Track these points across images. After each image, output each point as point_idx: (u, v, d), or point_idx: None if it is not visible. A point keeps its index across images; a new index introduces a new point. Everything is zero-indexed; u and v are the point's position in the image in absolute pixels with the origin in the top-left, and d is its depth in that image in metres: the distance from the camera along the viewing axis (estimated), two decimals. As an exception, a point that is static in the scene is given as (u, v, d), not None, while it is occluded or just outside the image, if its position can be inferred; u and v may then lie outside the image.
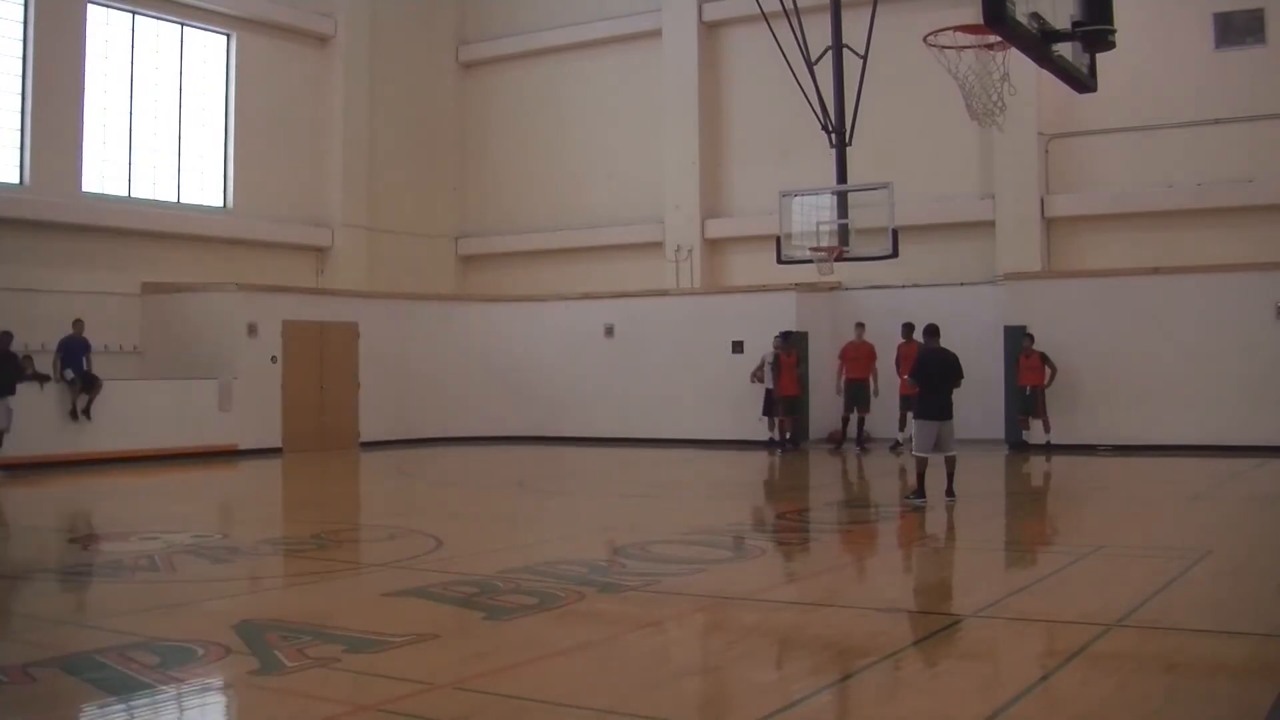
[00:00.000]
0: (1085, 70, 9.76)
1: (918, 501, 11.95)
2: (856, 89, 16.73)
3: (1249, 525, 11.16)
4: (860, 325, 19.90)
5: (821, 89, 16.86)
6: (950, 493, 12.04)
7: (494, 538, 10.77)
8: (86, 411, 17.52)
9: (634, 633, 6.71)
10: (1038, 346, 18.54)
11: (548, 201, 25.41)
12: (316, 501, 15.14)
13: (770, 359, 19.73)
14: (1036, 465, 17.28)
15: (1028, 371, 18.57)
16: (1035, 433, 18.75)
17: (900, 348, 18.79)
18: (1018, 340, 18.77)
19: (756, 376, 20.00)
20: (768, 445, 19.94)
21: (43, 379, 17.53)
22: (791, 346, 19.80)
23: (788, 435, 19.83)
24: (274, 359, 20.37)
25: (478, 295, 25.01)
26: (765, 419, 20.01)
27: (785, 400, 19.63)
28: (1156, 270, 18.57)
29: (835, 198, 16.87)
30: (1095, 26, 8.70)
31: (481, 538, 10.79)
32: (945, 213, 21.11)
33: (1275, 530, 11.00)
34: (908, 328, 18.55)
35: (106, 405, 17.83)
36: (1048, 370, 18.52)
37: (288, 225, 23.36)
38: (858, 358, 19.66)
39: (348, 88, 24.22)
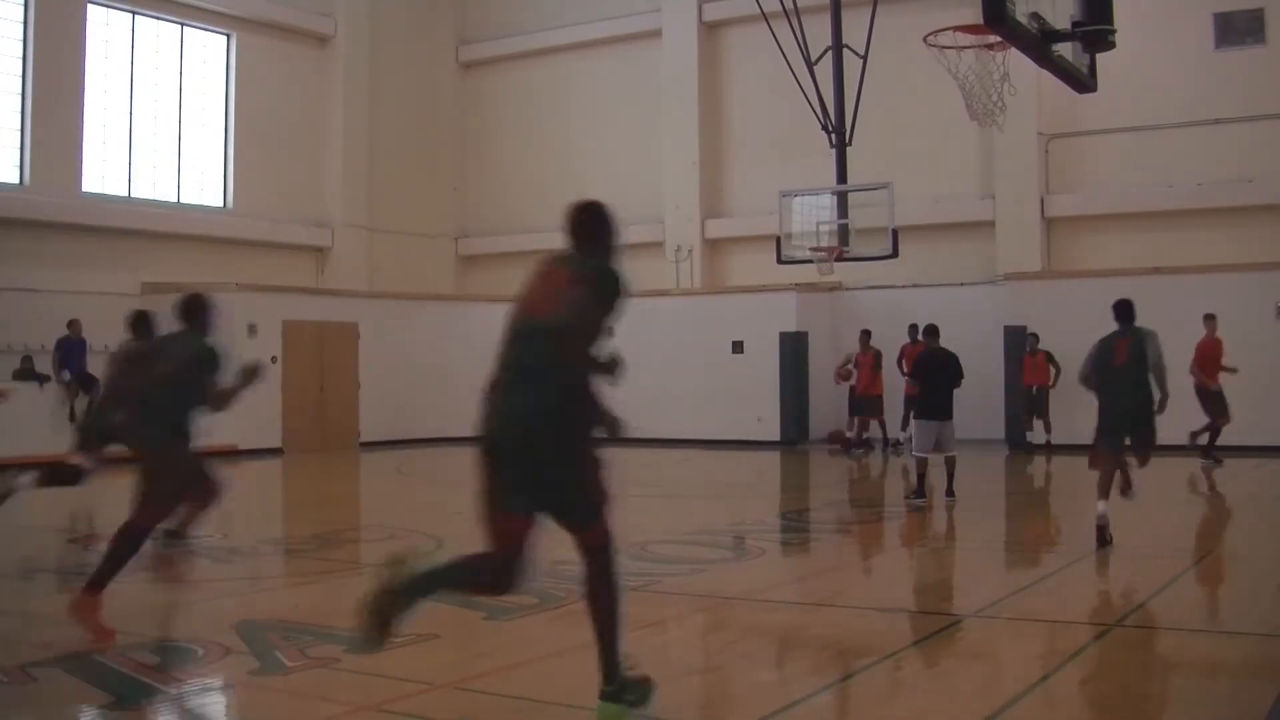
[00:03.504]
0: (1085, 70, 9.75)
1: (917, 501, 11.96)
2: (856, 89, 16.75)
3: (1249, 525, 11.16)
4: (914, 327, 18.32)
5: (821, 89, 16.87)
6: (950, 493, 12.05)
7: (494, 538, 10.74)
8: (85, 411, 17.50)
9: (634, 633, 6.68)
10: (1041, 346, 18.52)
11: (548, 201, 25.08)
12: (317, 501, 15.12)
13: (851, 359, 19.29)
14: (1036, 465, 17.28)
15: (1033, 371, 18.55)
16: (1036, 433, 18.74)
17: (904, 348, 18.73)
18: (1018, 340, 18.73)
19: (840, 375, 19.58)
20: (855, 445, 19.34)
21: (42, 379, 17.54)
22: (868, 346, 19.22)
23: (863, 435, 19.20)
24: (274, 359, 20.35)
25: (478, 295, 24.97)
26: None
27: (855, 400, 19.19)
28: (1156, 270, 18.55)
29: (835, 198, 16.89)
30: (1095, 26, 8.69)
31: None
32: (945, 213, 21.10)
33: (1275, 530, 11.00)
34: (914, 329, 18.48)
35: (106, 405, 17.80)
36: (1051, 370, 18.49)
37: (287, 225, 23.35)
38: None
39: (348, 88, 24.22)
